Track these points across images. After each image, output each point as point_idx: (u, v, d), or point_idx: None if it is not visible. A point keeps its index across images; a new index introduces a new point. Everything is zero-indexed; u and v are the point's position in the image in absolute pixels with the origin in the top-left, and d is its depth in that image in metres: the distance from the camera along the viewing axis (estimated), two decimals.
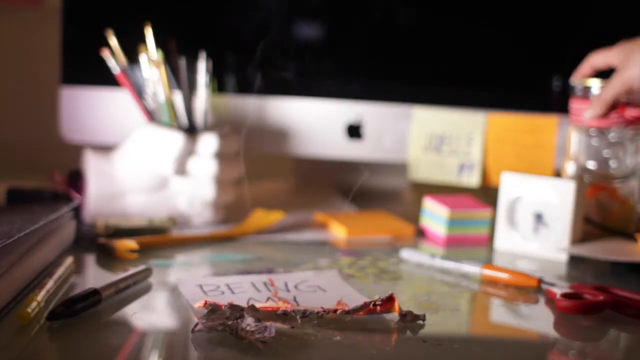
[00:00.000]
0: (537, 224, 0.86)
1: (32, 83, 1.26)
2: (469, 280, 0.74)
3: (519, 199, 0.87)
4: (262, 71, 1.02)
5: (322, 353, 0.54)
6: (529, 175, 0.87)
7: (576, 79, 0.92)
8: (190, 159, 0.92)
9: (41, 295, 0.58)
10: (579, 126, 0.90)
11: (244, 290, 0.65)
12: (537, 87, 1.07)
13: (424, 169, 1.05)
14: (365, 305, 0.60)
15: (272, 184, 1.18)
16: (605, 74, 0.90)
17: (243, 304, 0.58)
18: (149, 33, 0.94)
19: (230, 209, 0.94)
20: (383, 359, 0.55)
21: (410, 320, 0.60)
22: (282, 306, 0.60)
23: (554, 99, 1.06)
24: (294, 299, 0.64)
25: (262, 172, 1.17)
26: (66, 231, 0.77)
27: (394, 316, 0.61)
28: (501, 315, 0.68)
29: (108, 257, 0.76)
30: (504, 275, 0.73)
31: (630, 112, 0.87)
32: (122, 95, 1.00)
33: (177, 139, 0.91)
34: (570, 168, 0.91)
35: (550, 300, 0.68)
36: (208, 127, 0.95)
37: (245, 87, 1.05)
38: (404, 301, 0.65)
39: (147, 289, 0.66)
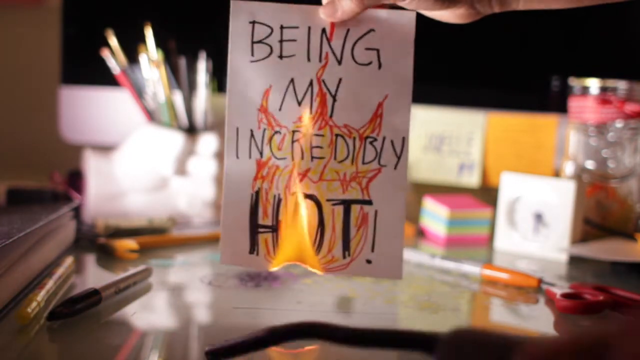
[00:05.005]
0: (537, 224, 0.86)
1: (32, 83, 1.27)
2: (469, 280, 0.74)
3: (519, 199, 0.87)
4: None
5: (321, 356, 0.54)
6: (528, 175, 0.87)
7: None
8: (190, 159, 0.92)
9: (41, 295, 0.58)
10: (578, 125, 0.90)
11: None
12: (537, 87, 1.07)
13: (424, 169, 1.05)
14: None
15: None
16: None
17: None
18: (149, 33, 0.94)
19: None
20: (383, 358, 0.55)
21: None
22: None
23: (553, 99, 1.06)
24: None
25: None
26: (66, 231, 0.77)
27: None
28: (501, 315, 0.68)
29: (108, 257, 0.76)
30: (504, 275, 0.73)
31: (630, 107, 0.87)
32: (122, 95, 1.00)
33: (177, 139, 0.91)
34: (568, 168, 0.91)
35: (550, 300, 0.68)
36: (208, 127, 0.95)
37: None
38: (404, 301, 0.66)
39: (147, 289, 0.66)
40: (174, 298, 0.65)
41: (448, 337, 0.36)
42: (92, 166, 0.91)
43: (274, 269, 0.61)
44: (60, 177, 0.99)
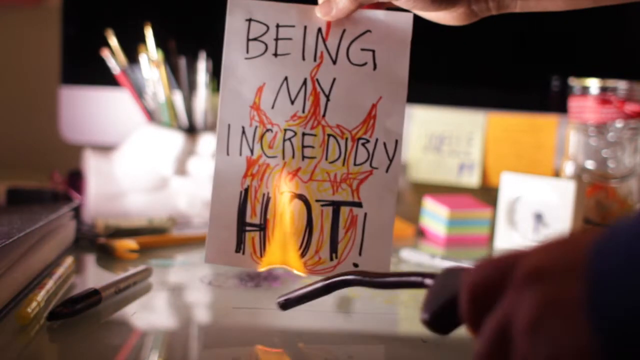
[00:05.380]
0: (537, 224, 0.86)
1: (32, 83, 1.27)
2: None
3: (519, 199, 0.87)
4: None
5: (308, 353, 0.55)
6: (528, 175, 0.87)
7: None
8: (190, 159, 0.92)
9: (41, 295, 0.58)
10: (578, 125, 0.90)
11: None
12: (537, 87, 1.07)
13: (424, 169, 1.05)
14: None
15: None
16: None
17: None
18: (149, 33, 0.94)
19: None
20: (383, 359, 0.55)
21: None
22: None
23: (553, 99, 1.06)
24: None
25: None
26: (66, 231, 0.77)
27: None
28: None
29: (108, 257, 0.76)
30: None
31: (630, 107, 0.87)
32: (122, 95, 1.00)
33: (177, 139, 0.91)
34: (568, 168, 0.91)
35: None
36: (208, 127, 0.95)
37: None
38: (404, 301, 0.66)
39: (147, 289, 0.66)
40: (174, 298, 0.65)
41: (441, 271, 0.44)
42: (92, 166, 0.91)
43: (261, 269, 0.61)
44: (60, 177, 0.99)
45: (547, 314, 0.33)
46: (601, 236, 0.33)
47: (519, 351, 0.34)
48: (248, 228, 0.61)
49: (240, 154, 0.60)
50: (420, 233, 0.94)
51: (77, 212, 0.81)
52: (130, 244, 0.77)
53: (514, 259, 0.37)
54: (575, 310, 0.32)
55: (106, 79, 0.97)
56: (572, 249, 0.34)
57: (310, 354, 0.55)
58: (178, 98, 0.95)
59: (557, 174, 0.99)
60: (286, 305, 0.57)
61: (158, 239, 0.83)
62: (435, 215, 0.92)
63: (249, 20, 0.60)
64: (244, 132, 0.60)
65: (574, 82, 0.91)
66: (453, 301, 0.40)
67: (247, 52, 0.60)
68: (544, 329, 0.33)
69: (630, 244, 0.32)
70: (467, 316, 0.38)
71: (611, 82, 0.88)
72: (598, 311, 0.32)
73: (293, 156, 0.60)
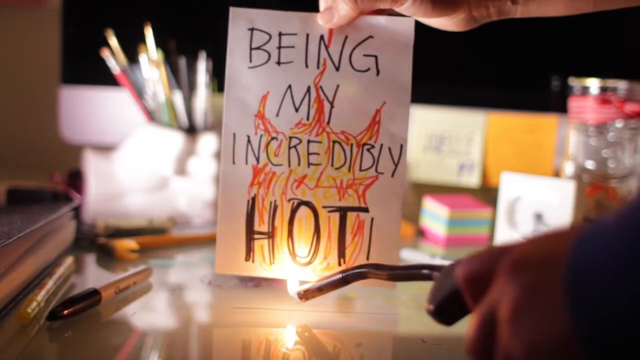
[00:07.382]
0: (537, 223, 0.86)
1: (32, 83, 1.27)
2: None
3: (519, 199, 0.87)
4: None
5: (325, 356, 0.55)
6: (528, 175, 0.87)
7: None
8: (190, 159, 0.92)
9: (41, 295, 0.58)
10: (578, 125, 0.90)
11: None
12: (537, 87, 1.07)
13: (424, 169, 1.05)
14: None
15: None
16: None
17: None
18: (149, 33, 0.94)
19: None
20: (383, 358, 0.55)
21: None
22: None
23: (553, 99, 1.06)
24: None
25: None
26: (66, 231, 0.77)
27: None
28: None
29: (108, 257, 0.76)
30: None
31: (630, 107, 0.87)
32: (122, 95, 1.00)
33: (177, 139, 0.91)
34: (568, 168, 0.91)
35: None
36: (208, 127, 0.95)
37: None
38: (404, 301, 0.66)
39: (147, 289, 0.66)
40: (174, 298, 0.65)
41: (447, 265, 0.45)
42: (92, 166, 0.91)
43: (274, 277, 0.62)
44: (60, 177, 0.99)
45: (528, 302, 0.34)
46: (583, 230, 0.35)
47: (503, 339, 0.36)
48: (256, 236, 0.61)
49: (246, 163, 0.61)
50: (420, 233, 0.94)
51: (77, 212, 0.81)
52: (130, 244, 0.77)
53: (502, 250, 0.38)
54: (556, 298, 0.33)
55: (106, 79, 0.97)
56: (555, 242, 0.36)
57: (321, 339, 0.55)
58: (178, 98, 0.95)
59: (557, 174, 0.99)
60: (306, 295, 0.59)
61: (158, 239, 0.83)
62: (435, 215, 0.92)
63: (252, 29, 0.60)
64: (249, 140, 0.61)
65: (574, 82, 0.91)
66: (455, 293, 0.41)
67: (251, 61, 0.60)
68: (525, 317, 0.34)
69: (610, 236, 0.33)
70: (471, 304, 0.40)
71: (611, 82, 0.88)
72: (578, 299, 0.32)
73: (299, 163, 0.61)
